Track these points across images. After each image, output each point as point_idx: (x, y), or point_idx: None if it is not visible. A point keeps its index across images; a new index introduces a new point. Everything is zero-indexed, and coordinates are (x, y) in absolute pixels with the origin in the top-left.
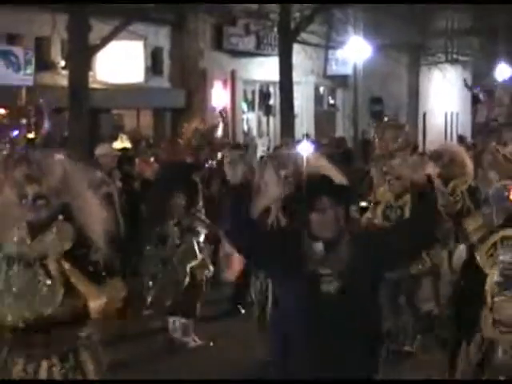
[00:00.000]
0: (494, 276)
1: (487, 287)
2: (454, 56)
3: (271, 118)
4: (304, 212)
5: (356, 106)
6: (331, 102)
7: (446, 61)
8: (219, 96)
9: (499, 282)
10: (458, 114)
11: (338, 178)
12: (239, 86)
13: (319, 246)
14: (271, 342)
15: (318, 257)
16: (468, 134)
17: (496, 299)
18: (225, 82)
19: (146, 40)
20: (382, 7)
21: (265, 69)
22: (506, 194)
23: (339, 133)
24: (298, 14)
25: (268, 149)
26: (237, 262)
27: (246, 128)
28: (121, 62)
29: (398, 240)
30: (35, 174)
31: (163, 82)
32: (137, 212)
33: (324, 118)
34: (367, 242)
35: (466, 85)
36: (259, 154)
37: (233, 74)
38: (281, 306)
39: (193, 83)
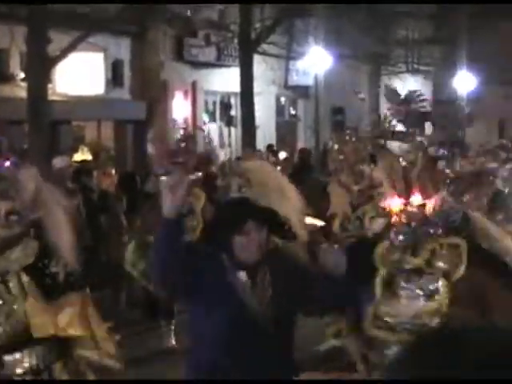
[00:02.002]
0: (383, 273)
1: (376, 283)
2: (415, 66)
3: (232, 129)
4: (227, 235)
5: (317, 116)
6: (292, 112)
7: (407, 70)
8: (180, 107)
9: (386, 280)
10: None
11: (287, 188)
12: (200, 97)
13: (243, 275)
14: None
15: (242, 286)
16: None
17: (380, 296)
18: (186, 93)
19: (106, 51)
20: (343, 17)
21: (226, 80)
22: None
23: (301, 143)
24: (258, 25)
25: (229, 160)
26: None
27: (207, 139)
28: (81, 73)
29: (320, 291)
30: (8, 190)
31: (124, 94)
32: (97, 224)
33: (285, 128)
34: (289, 277)
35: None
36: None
37: (194, 85)
38: (202, 336)
39: (154, 95)
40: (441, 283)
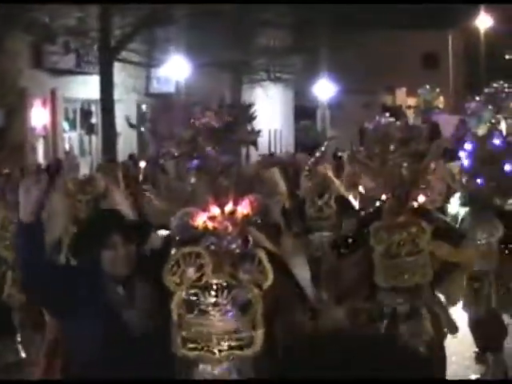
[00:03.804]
0: (181, 293)
1: (173, 305)
2: (277, 74)
3: (93, 137)
4: (93, 249)
5: None
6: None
7: (268, 79)
8: (39, 115)
9: (187, 300)
10: (281, 131)
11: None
12: (60, 104)
13: (119, 289)
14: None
15: (119, 298)
16: (292, 150)
17: (186, 317)
18: (44, 101)
19: None
20: (204, 25)
21: (86, 87)
22: (187, 221)
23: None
24: (118, 32)
25: (91, 168)
26: None
27: (67, 147)
28: None
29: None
30: None
31: None
32: None
33: (146, 136)
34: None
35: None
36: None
37: (53, 93)
38: (76, 351)
39: (11, 102)
40: (253, 294)
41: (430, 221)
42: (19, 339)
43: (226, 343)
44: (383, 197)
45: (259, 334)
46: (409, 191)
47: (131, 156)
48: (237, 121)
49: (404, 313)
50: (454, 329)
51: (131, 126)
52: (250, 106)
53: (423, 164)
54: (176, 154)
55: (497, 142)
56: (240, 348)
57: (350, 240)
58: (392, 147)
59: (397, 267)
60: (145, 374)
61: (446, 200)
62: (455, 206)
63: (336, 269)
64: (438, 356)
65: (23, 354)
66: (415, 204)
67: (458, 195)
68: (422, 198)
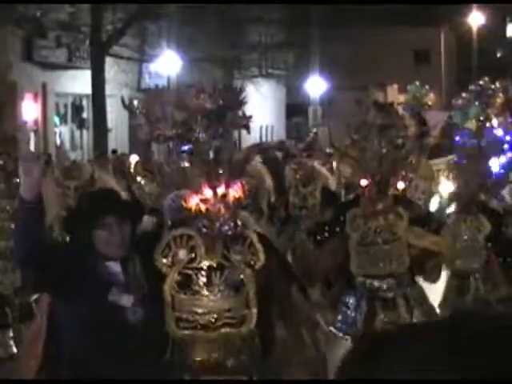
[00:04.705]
0: (174, 275)
1: (166, 287)
2: (269, 70)
3: (84, 132)
4: (86, 229)
5: None
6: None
7: (260, 75)
8: (30, 109)
9: (179, 281)
10: (272, 127)
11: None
12: (51, 98)
13: (114, 266)
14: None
15: (116, 279)
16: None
17: (179, 298)
18: (35, 95)
19: None
20: (196, 20)
21: (77, 82)
22: (180, 203)
23: (154, 146)
24: (110, 27)
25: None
26: None
27: (58, 141)
28: None
29: None
30: None
31: None
32: None
33: (139, 128)
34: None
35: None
36: None
37: (44, 87)
38: (66, 324)
39: (2, 96)
40: (245, 274)
41: (408, 208)
42: (11, 334)
43: (220, 322)
44: (363, 183)
45: (253, 312)
46: (388, 178)
47: (114, 151)
48: (229, 104)
49: (381, 302)
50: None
51: (125, 107)
52: (241, 90)
53: (403, 151)
54: (169, 135)
55: (483, 137)
56: (234, 326)
57: (327, 227)
58: (371, 134)
59: (372, 255)
60: (138, 356)
61: (429, 198)
62: (438, 204)
63: (309, 255)
64: None
65: (14, 349)
66: (394, 192)
67: (444, 193)
68: (401, 185)
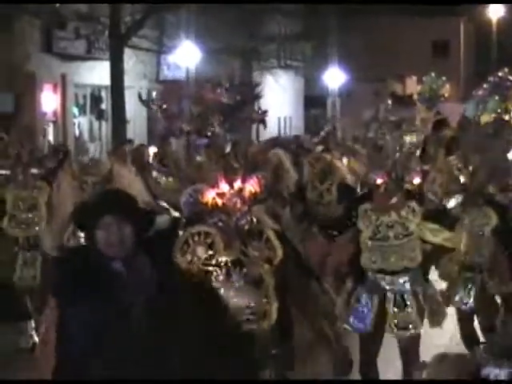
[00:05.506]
0: (194, 271)
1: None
2: (287, 62)
3: (103, 123)
4: (89, 228)
5: None
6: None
7: (279, 66)
8: (49, 100)
9: (200, 277)
10: (291, 119)
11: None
12: (70, 90)
13: (118, 266)
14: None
15: (119, 278)
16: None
17: None
18: (55, 86)
19: None
20: (215, 12)
21: (96, 73)
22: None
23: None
24: (129, 18)
25: (100, 153)
26: None
27: (77, 132)
28: None
29: None
30: None
31: None
32: None
33: (156, 122)
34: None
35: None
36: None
37: (63, 78)
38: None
39: (21, 87)
40: (264, 269)
41: (422, 203)
42: (33, 325)
43: (240, 318)
44: (378, 181)
45: (273, 307)
46: (403, 174)
47: (129, 141)
48: (246, 99)
49: (392, 298)
50: (435, 322)
51: (142, 101)
52: (257, 85)
53: (417, 143)
54: (186, 130)
55: (491, 130)
56: (255, 322)
57: (339, 221)
58: (384, 130)
59: (384, 250)
60: (141, 352)
61: (446, 193)
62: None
63: (321, 249)
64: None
65: (36, 339)
66: (410, 186)
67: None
68: (417, 181)
